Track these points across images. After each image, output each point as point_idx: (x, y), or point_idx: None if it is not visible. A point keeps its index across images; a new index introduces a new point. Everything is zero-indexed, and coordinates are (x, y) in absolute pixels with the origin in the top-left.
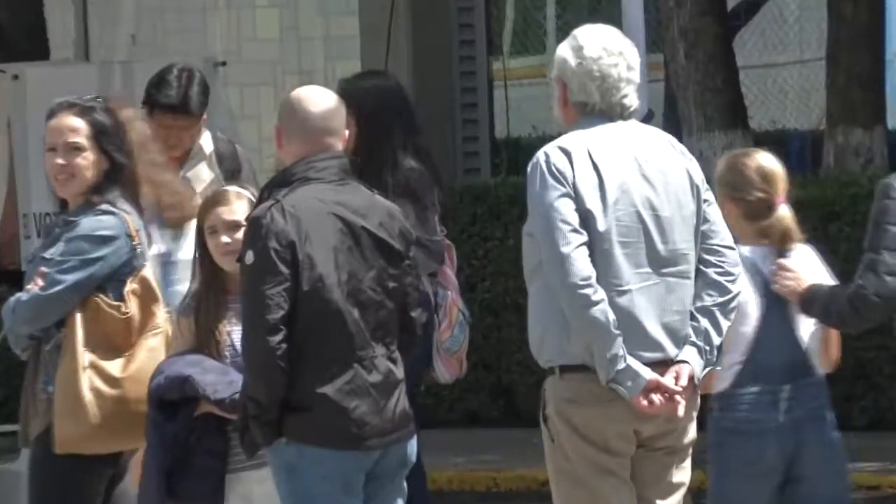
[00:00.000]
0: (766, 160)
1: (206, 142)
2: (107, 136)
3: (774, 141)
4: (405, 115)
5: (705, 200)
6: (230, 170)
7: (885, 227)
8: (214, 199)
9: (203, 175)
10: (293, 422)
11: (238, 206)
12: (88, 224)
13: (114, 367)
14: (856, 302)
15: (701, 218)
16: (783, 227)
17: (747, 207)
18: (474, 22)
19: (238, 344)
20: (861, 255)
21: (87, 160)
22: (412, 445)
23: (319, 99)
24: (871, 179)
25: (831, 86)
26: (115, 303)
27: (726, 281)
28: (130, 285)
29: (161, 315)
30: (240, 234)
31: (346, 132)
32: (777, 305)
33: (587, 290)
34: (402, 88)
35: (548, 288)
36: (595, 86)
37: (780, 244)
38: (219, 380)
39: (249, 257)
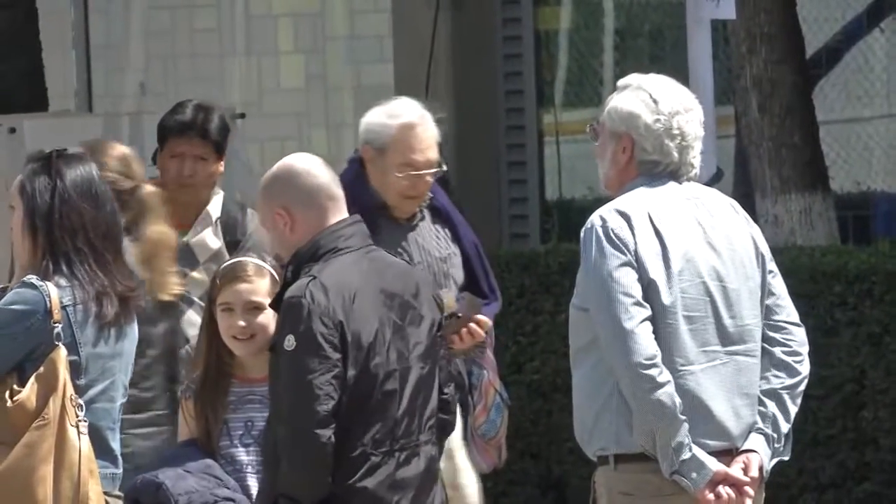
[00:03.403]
0: None
1: (214, 207)
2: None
3: (858, 204)
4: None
5: (770, 271)
6: (231, 242)
7: None
8: (232, 273)
9: (209, 243)
10: None
11: (260, 284)
12: (9, 298)
13: None
14: None
15: (766, 290)
16: None
17: None
18: (523, 70)
19: (235, 434)
20: None
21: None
22: None
23: (309, 158)
24: None
25: None
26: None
27: (794, 361)
28: (39, 368)
29: (54, 406)
30: (260, 318)
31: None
32: None
33: (652, 371)
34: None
35: (602, 367)
36: (675, 144)
37: None
38: (196, 487)
39: (290, 342)
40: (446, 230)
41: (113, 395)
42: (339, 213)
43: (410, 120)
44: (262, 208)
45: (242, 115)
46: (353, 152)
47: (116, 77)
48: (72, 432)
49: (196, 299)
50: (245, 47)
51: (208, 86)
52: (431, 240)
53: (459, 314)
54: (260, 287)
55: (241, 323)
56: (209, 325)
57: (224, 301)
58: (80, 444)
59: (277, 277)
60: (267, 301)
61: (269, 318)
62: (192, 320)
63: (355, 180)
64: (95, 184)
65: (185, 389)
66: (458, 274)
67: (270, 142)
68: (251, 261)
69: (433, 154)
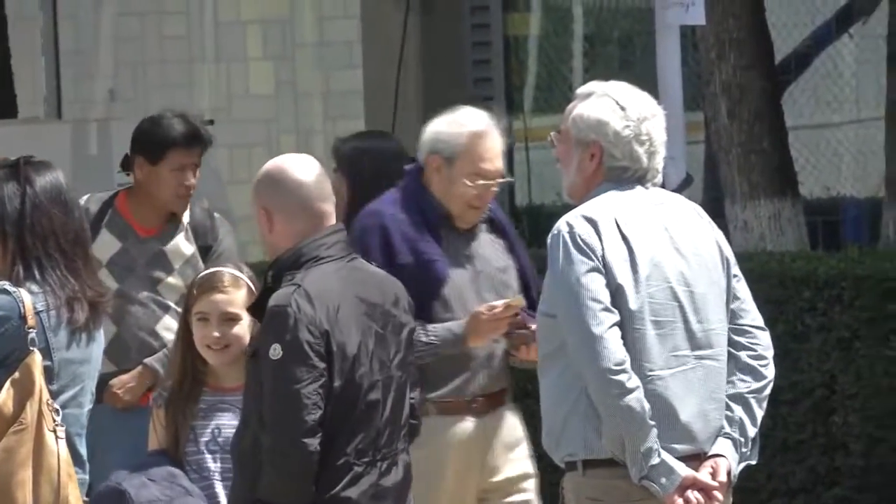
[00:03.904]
0: None
1: (184, 212)
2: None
3: (828, 209)
4: None
5: (734, 275)
6: (202, 247)
7: None
8: (208, 284)
9: (183, 248)
10: None
11: (236, 295)
12: None
13: None
14: None
15: (731, 294)
16: None
17: None
18: (492, 76)
19: (202, 441)
20: None
21: None
22: None
23: (308, 167)
24: None
25: (891, 148)
26: None
27: (760, 365)
28: (14, 374)
29: (31, 410)
30: (235, 329)
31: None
32: None
33: (621, 377)
34: (403, 151)
35: (570, 373)
36: (644, 150)
37: None
38: (158, 496)
39: (276, 351)
40: (501, 241)
41: (82, 400)
42: (324, 224)
43: (480, 129)
44: (252, 200)
45: (211, 122)
46: (411, 163)
47: (86, 83)
48: (49, 437)
49: (172, 304)
50: (214, 54)
51: (177, 92)
52: (490, 250)
53: (530, 327)
54: (236, 298)
55: (216, 333)
56: (184, 335)
57: (200, 311)
58: (59, 448)
59: (254, 288)
60: (242, 312)
61: (244, 329)
62: (168, 325)
63: (417, 190)
64: (64, 190)
65: (156, 398)
66: (516, 285)
67: (239, 148)
68: (227, 271)
69: (500, 163)
